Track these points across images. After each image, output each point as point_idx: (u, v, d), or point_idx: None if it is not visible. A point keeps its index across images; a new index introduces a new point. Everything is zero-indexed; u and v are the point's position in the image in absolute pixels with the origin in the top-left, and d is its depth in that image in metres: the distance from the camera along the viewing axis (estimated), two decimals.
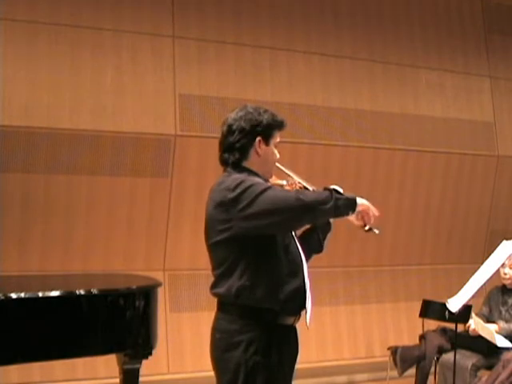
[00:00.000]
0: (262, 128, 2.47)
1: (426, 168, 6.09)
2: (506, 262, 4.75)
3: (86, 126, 4.91)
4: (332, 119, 5.70)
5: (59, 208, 4.94)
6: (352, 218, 2.43)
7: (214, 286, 2.42)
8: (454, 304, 4.22)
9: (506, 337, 4.63)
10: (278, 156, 2.55)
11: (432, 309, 5.18)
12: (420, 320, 5.24)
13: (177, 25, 5.26)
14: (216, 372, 2.41)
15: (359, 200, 2.40)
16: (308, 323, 2.49)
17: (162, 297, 3.72)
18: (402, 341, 5.58)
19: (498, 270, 4.44)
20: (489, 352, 4.60)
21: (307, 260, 2.57)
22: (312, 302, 2.47)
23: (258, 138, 2.46)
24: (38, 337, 2.97)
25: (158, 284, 3.48)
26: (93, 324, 3.14)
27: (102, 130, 4.97)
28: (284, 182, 2.59)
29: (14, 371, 4.30)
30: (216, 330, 2.41)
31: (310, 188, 2.53)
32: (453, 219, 6.30)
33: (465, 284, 4.30)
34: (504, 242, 4.38)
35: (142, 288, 3.33)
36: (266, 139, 2.48)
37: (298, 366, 2.54)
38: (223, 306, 2.40)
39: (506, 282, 4.88)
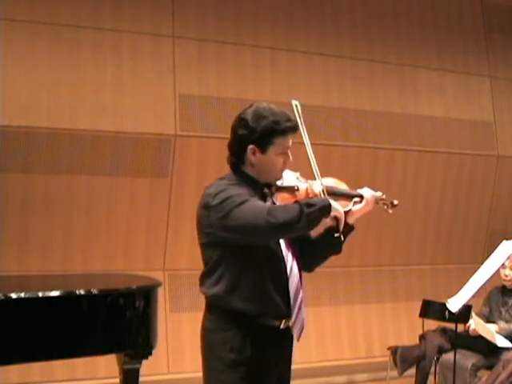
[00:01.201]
0: (256, 136, 2.35)
1: (426, 168, 6.09)
2: (507, 264, 4.75)
3: (86, 126, 4.91)
4: (332, 119, 5.70)
5: (59, 208, 4.93)
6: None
7: (200, 283, 2.47)
8: (454, 304, 4.22)
9: (506, 337, 4.63)
10: (286, 161, 2.44)
11: (432, 309, 5.19)
12: (420, 320, 5.24)
13: (177, 25, 5.26)
14: (202, 368, 2.47)
15: (334, 206, 2.34)
16: (294, 333, 2.44)
17: (162, 297, 3.72)
18: (402, 341, 5.58)
19: (498, 271, 4.44)
20: (489, 352, 4.60)
21: (320, 263, 2.59)
22: (300, 308, 2.42)
23: (250, 147, 2.37)
24: (38, 337, 2.97)
25: (158, 284, 3.48)
26: (93, 324, 3.14)
27: (102, 129, 4.97)
28: (296, 187, 2.49)
29: (14, 371, 4.30)
30: (202, 327, 2.47)
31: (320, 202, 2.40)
32: (453, 219, 6.30)
33: (465, 284, 4.30)
34: (504, 242, 4.38)
35: (142, 288, 3.34)
36: (262, 147, 2.37)
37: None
38: (207, 305, 2.45)
39: (507, 284, 4.88)
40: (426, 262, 6.27)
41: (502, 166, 6.37)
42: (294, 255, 2.45)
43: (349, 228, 2.54)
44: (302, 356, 5.59)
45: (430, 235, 6.25)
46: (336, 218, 2.38)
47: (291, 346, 2.52)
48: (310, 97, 5.61)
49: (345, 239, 2.52)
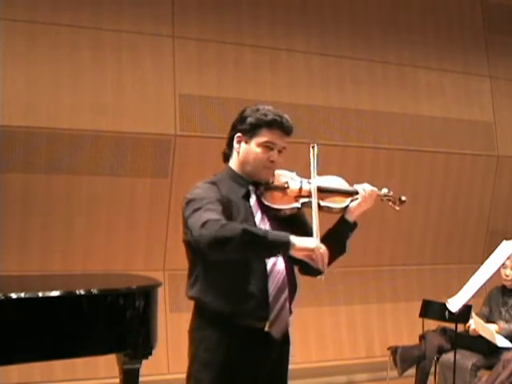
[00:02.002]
0: (246, 125, 2.42)
1: (426, 168, 6.09)
2: (508, 263, 4.75)
3: (86, 126, 4.91)
4: (332, 119, 5.70)
5: (59, 208, 4.93)
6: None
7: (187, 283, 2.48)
8: (454, 304, 4.22)
9: (506, 337, 4.63)
10: (271, 158, 2.42)
11: (432, 309, 5.19)
12: (420, 320, 5.24)
13: (177, 25, 5.25)
14: None
15: (301, 244, 2.18)
16: (274, 335, 2.37)
17: (161, 297, 3.72)
18: (402, 341, 5.57)
19: (498, 271, 4.44)
20: (489, 352, 4.60)
21: (331, 263, 2.50)
22: (282, 309, 2.37)
23: (237, 134, 2.45)
24: (38, 337, 2.97)
25: (158, 284, 3.48)
26: (93, 324, 3.14)
27: (102, 129, 4.97)
28: (286, 184, 2.47)
29: (14, 371, 4.30)
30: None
31: (314, 202, 2.38)
32: (453, 219, 6.30)
33: (465, 284, 4.30)
34: (504, 242, 4.38)
35: (142, 288, 3.33)
36: (247, 137, 2.43)
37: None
38: (196, 305, 2.46)
39: (508, 284, 4.88)
40: (426, 262, 6.27)
41: (501, 166, 6.37)
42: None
43: (350, 226, 2.52)
44: (302, 356, 5.59)
45: (430, 235, 6.25)
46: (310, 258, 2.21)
47: (284, 348, 2.47)
48: (310, 97, 5.61)
49: (348, 237, 2.53)
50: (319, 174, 2.57)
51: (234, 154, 2.47)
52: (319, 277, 2.29)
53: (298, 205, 2.44)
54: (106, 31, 5.02)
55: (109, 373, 4.34)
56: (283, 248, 2.19)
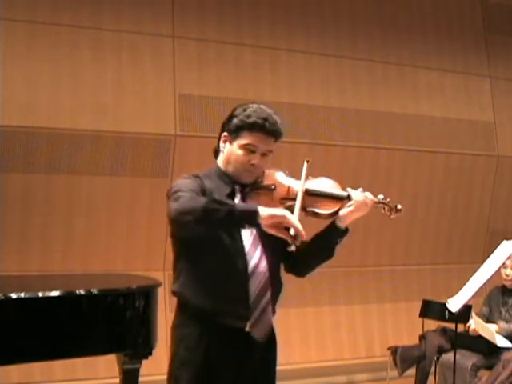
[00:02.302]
0: (231, 125, 2.40)
1: (426, 168, 6.09)
2: (508, 263, 4.75)
3: (86, 126, 4.91)
4: (332, 119, 5.70)
5: (59, 208, 4.93)
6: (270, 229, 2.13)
7: None
8: (454, 304, 4.22)
9: (506, 337, 4.63)
10: (251, 162, 2.36)
11: (432, 309, 5.19)
12: (420, 320, 5.24)
13: (177, 25, 5.25)
14: None
15: (268, 213, 2.08)
16: (255, 335, 2.31)
17: (161, 297, 3.71)
18: (402, 341, 5.57)
19: (498, 270, 4.44)
20: (489, 352, 4.60)
21: (312, 268, 2.48)
22: (264, 310, 2.32)
23: (223, 134, 2.43)
24: (38, 337, 2.97)
25: (158, 284, 3.48)
26: (93, 324, 3.14)
27: (102, 129, 4.97)
28: (272, 186, 2.39)
29: (14, 371, 4.30)
30: None
31: (298, 204, 2.25)
32: (453, 219, 6.30)
33: (465, 284, 4.30)
34: (504, 242, 4.38)
35: (141, 288, 3.33)
36: (232, 138, 2.40)
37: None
38: (178, 302, 2.43)
39: (508, 283, 4.88)
40: (426, 262, 6.27)
41: (502, 166, 6.37)
42: (266, 253, 2.35)
43: (340, 232, 2.42)
44: (302, 356, 5.59)
45: (430, 235, 6.24)
46: (278, 227, 2.10)
47: (269, 349, 2.42)
48: (309, 97, 5.61)
49: (337, 243, 2.43)
50: (320, 175, 2.53)
51: (221, 153, 2.45)
52: (289, 248, 2.10)
53: (282, 208, 2.30)
54: (106, 31, 5.02)
55: (109, 373, 4.34)
56: (250, 217, 2.09)
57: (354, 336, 5.93)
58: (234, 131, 2.39)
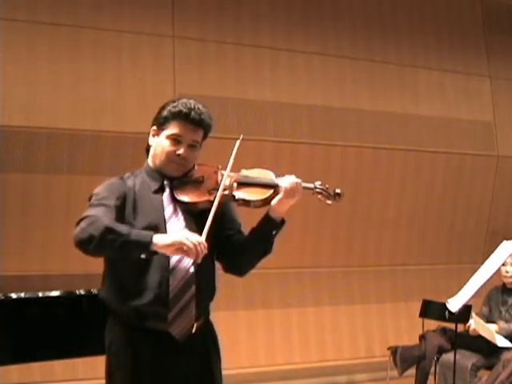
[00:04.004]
0: (160, 118, 2.39)
1: (426, 168, 6.09)
2: (508, 260, 4.75)
3: (86, 126, 4.91)
4: (332, 119, 5.70)
5: (59, 208, 4.93)
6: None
7: None
8: (454, 304, 4.22)
9: (506, 337, 4.63)
10: (177, 152, 2.33)
11: (432, 309, 5.19)
12: (420, 320, 5.24)
13: (177, 25, 5.25)
14: None
15: (162, 240, 2.08)
16: (173, 332, 2.23)
17: None
18: (402, 341, 5.57)
19: (498, 270, 4.44)
20: (489, 352, 4.60)
21: (250, 264, 2.40)
22: (184, 308, 2.24)
23: (152, 128, 2.41)
24: (38, 337, 2.98)
25: None
26: (93, 324, 3.13)
27: (102, 129, 4.97)
28: (200, 178, 2.38)
29: (14, 371, 4.29)
30: None
31: (219, 193, 2.25)
32: (453, 219, 6.30)
33: (465, 284, 4.30)
34: (504, 242, 4.38)
35: None
36: (159, 130, 2.39)
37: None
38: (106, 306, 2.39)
39: (508, 281, 4.87)
40: (426, 262, 6.27)
41: (502, 166, 6.37)
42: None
43: (274, 223, 2.32)
44: (301, 356, 5.59)
45: (430, 235, 6.24)
46: (179, 250, 2.09)
47: (206, 352, 2.33)
48: (309, 97, 5.61)
49: (275, 235, 2.35)
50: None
51: (151, 148, 2.43)
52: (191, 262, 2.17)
53: (210, 198, 2.30)
54: (105, 31, 5.02)
55: None
56: (144, 247, 2.09)
57: (353, 336, 5.93)
58: (161, 123, 2.38)
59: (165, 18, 5.22)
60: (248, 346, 5.44)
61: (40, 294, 3.01)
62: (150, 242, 2.08)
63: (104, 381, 2.42)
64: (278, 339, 5.56)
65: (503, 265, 4.75)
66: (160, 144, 2.37)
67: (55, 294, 3.04)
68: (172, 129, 2.36)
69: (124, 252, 2.14)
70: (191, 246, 2.06)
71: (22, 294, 2.97)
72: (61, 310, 3.04)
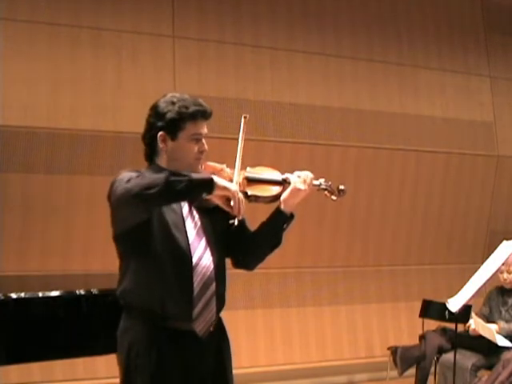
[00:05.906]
0: (165, 122, 2.30)
1: (426, 168, 6.09)
2: (504, 268, 4.74)
3: (86, 126, 4.91)
4: (332, 119, 5.70)
5: (59, 208, 4.93)
6: (218, 199, 2.20)
7: None
8: (454, 304, 4.22)
9: (506, 337, 4.63)
10: (201, 149, 2.35)
11: (432, 309, 5.19)
12: (420, 320, 5.24)
13: (177, 25, 5.26)
14: None
15: (221, 183, 2.15)
16: (196, 329, 2.24)
17: None
18: (402, 341, 5.58)
19: (498, 271, 4.43)
20: (489, 352, 4.60)
21: (259, 258, 2.44)
22: (207, 304, 2.27)
23: (159, 134, 2.31)
24: (37, 337, 2.98)
25: None
26: (93, 324, 3.14)
27: (102, 129, 4.97)
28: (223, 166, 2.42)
29: (14, 371, 4.29)
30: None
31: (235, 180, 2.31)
32: (453, 219, 6.30)
33: (465, 284, 4.30)
34: (504, 242, 4.38)
35: None
36: (172, 134, 2.30)
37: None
38: (124, 305, 2.34)
39: (507, 286, 4.88)
40: (426, 262, 6.27)
41: (502, 166, 6.37)
42: (210, 245, 2.33)
43: (284, 217, 2.39)
44: (301, 356, 5.59)
45: (430, 235, 6.24)
46: (227, 199, 2.18)
47: (222, 351, 2.35)
48: (310, 97, 5.61)
49: (283, 230, 2.41)
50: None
51: (161, 153, 2.35)
52: (232, 221, 2.22)
53: None
54: (105, 31, 5.02)
55: (109, 373, 4.34)
56: (207, 185, 2.12)
57: (354, 336, 5.93)
58: (172, 127, 2.31)
59: (165, 18, 5.22)
60: (248, 346, 5.44)
61: (40, 294, 3.01)
62: (212, 180, 2.13)
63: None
64: (278, 339, 5.56)
65: (500, 273, 4.75)
66: (181, 148, 2.33)
67: (55, 294, 3.04)
68: (191, 129, 2.34)
69: (187, 193, 2.14)
70: (238, 201, 2.15)
71: (22, 294, 2.97)
72: (61, 310, 3.04)
